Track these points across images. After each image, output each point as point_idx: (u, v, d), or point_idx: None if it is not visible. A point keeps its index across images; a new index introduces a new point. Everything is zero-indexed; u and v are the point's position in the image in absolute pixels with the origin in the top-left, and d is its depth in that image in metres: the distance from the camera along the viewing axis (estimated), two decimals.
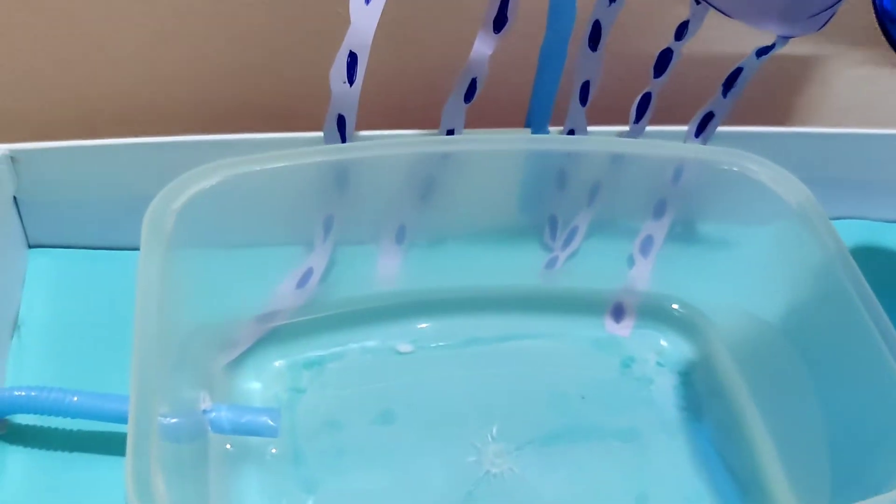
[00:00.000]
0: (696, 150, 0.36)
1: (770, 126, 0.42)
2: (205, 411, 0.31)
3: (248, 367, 0.34)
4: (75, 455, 0.32)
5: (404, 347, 0.36)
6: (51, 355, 0.35)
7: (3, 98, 0.39)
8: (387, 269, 0.37)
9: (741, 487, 0.33)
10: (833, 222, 0.44)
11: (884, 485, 0.26)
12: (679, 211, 0.38)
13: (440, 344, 0.36)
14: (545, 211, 0.38)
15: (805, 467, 0.32)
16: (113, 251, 0.39)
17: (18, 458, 0.32)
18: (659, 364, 0.37)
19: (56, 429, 0.33)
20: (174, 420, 0.27)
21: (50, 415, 0.31)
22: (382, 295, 0.37)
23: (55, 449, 0.32)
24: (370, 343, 0.36)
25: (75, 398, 0.31)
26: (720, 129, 0.39)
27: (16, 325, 0.35)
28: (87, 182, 0.37)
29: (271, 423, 0.32)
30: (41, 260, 0.38)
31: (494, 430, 0.34)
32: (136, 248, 0.29)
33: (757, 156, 0.36)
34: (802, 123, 0.48)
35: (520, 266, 0.38)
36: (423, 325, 0.36)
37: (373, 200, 0.36)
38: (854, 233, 0.44)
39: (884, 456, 0.29)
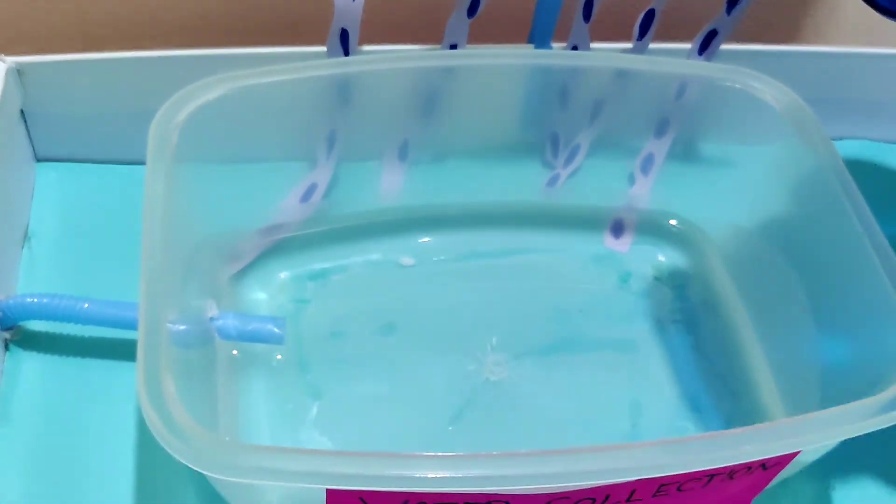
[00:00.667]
0: (699, 67, 0.36)
1: (775, 44, 0.41)
2: (212, 319, 0.32)
3: (254, 279, 0.35)
4: (87, 360, 0.33)
5: (406, 261, 0.36)
6: (61, 265, 0.35)
7: (8, 12, 0.39)
8: (390, 185, 0.38)
9: (733, 395, 0.34)
10: (836, 142, 0.44)
11: (869, 392, 0.27)
12: (681, 129, 0.38)
13: (442, 258, 0.37)
14: (547, 128, 0.38)
15: (795, 376, 0.33)
16: (120, 165, 0.39)
17: (32, 364, 0.33)
18: (656, 279, 0.37)
19: (68, 335, 0.34)
20: (182, 326, 0.28)
21: (61, 321, 0.32)
22: (385, 209, 0.37)
23: (67, 354, 0.33)
24: (373, 256, 0.36)
25: (86, 305, 0.32)
26: (724, 47, 0.39)
27: (26, 237, 0.36)
28: (92, 95, 0.37)
29: (277, 330, 0.33)
30: (49, 173, 0.38)
31: (494, 341, 0.34)
32: (143, 162, 0.29)
33: (760, 74, 0.36)
34: (808, 42, 0.48)
35: (521, 183, 0.39)
36: (426, 240, 0.37)
37: (376, 115, 0.36)
38: (856, 152, 0.44)
39: (871, 364, 0.29)
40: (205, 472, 0.23)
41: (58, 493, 0.30)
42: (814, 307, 0.33)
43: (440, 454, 0.24)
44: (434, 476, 0.23)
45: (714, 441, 0.25)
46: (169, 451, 0.23)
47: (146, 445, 0.31)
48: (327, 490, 0.25)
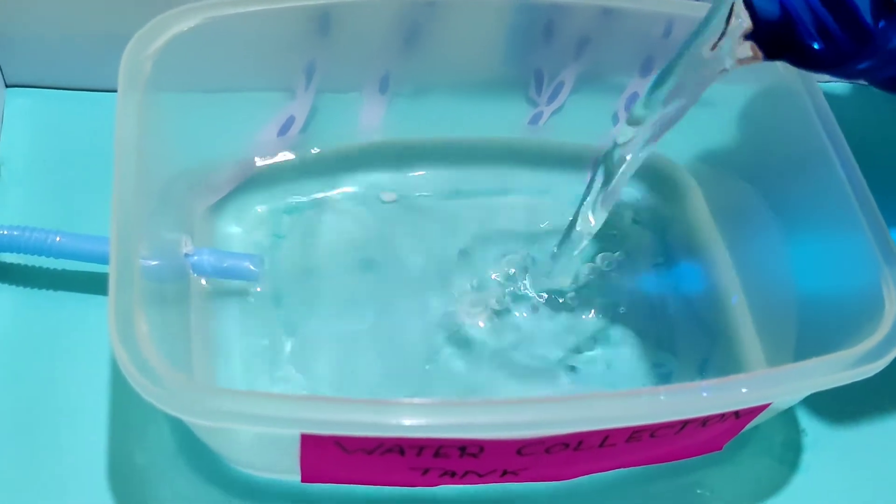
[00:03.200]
0: (686, 6, 0.36)
1: None
2: (187, 255, 0.32)
3: (230, 212, 0.34)
4: (60, 294, 0.33)
5: (387, 196, 0.36)
6: (32, 194, 0.35)
7: None
8: (370, 118, 0.37)
9: (710, 338, 0.34)
10: (823, 84, 0.44)
11: (844, 339, 0.27)
12: None
13: (424, 194, 0.36)
14: (531, 64, 0.38)
15: (773, 321, 0.33)
16: (93, 92, 0.38)
17: (4, 297, 0.32)
18: (635, 221, 0.37)
19: (40, 268, 0.33)
20: (155, 262, 0.28)
21: (33, 254, 0.32)
22: (366, 143, 0.36)
23: (39, 287, 0.33)
24: (353, 190, 0.36)
25: (58, 238, 0.32)
26: None
27: None
28: (63, 19, 0.36)
29: (253, 268, 0.32)
30: (19, 100, 0.37)
31: (474, 281, 0.34)
32: (116, 90, 0.29)
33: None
34: None
35: (504, 120, 0.38)
36: (408, 175, 0.36)
37: (356, 47, 0.35)
38: (843, 94, 0.44)
39: (849, 315, 0.29)
40: (177, 416, 0.23)
41: (29, 428, 0.30)
42: (792, 253, 0.33)
43: (415, 400, 0.24)
44: (409, 423, 0.23)
45: (686, 392, 0.25)
46: (141, 393, 0.23)
47: (119, 381, 0.31)
48: (302, 434, 0.25)
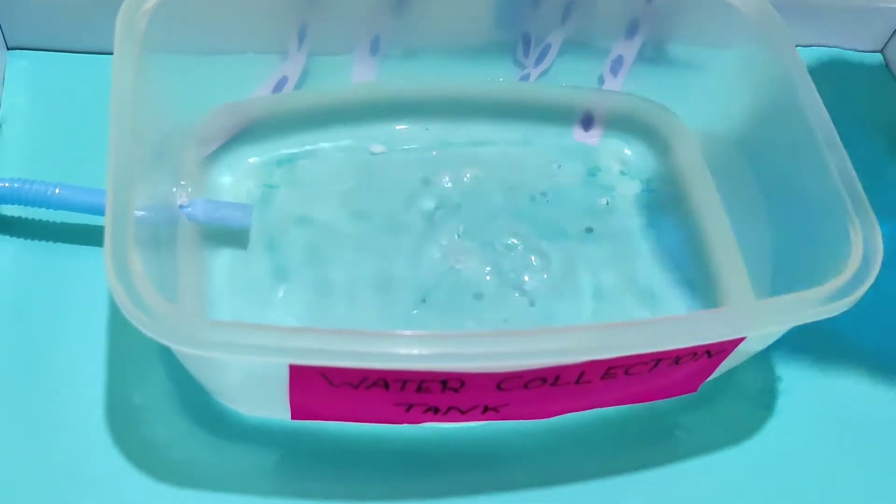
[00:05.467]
0: None
1: None
2: (181, 206, 0.33)
3: (223, 164, 0.35)
4: (59, 245, 0.34)
5: (377, 148, 0.37)
6: (32, 153, 0.36)
7: None
8: (361, 79, 0.38)
9: (691, 287, 0.35)
10: (806, 49, 0.45)
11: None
12: (650, 31, 0.38)
13: (412, 146, 0.37)
14: (519, 27, 0.39)
15: (751, 272, 0.34)
16: (93, 55, 0.39)
17: (5, 248, 0.33)
18: (622, 173, 0.38)
19: (40, 220, 0.34)
20: (150, 210, 0.29)
21: (33, 206, 0.33)
22: (356, 98, 0.37)
23: (40, 239, 0.34)
24: (343, 143, 0.37)
25: (57, 190, 0.33)
26: None
27: None
28: None
29: (244, 217, 0.33)
30: (20, 62, 0.38)
31: (461, 229, 0.35)
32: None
33: None
34: None
35: (493, 81, 0.39)
36: (397, 128, 0.37)
37: (347, 9, 0.36)
38: (824, 60, 0.45)
39: (820, 263, 0.30)
40: (169, 345, 0.24)
41: (29, 371, 0.31)
42: (769, 209, 0.34)
43: (399, 332, 0.25)
44: (393, 352, 0.24)
45: (659, 325, 0.26)
46: (134, 324, 0.24)
47: (116, 326, 0.32)
48: (290, 366, 0.26)
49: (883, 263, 0.28)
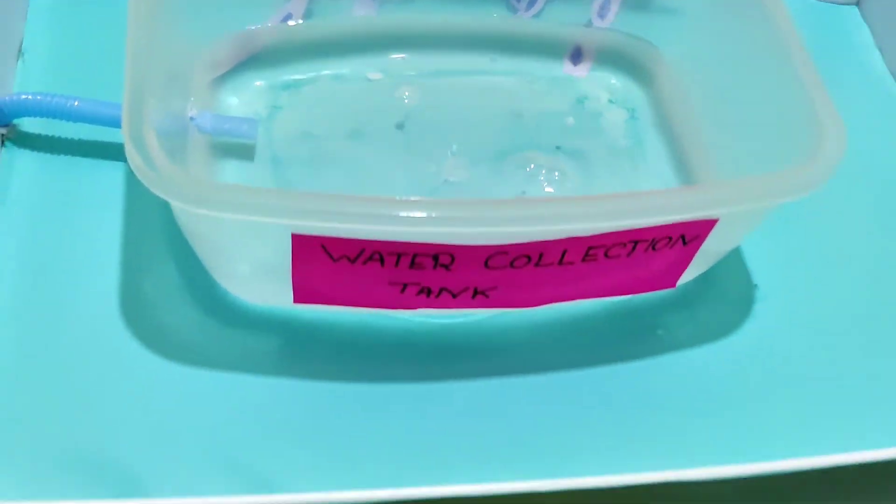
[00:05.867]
0: None
1: None
2: (192, 118, 0.35)
3: (231, 86, 0.38)
4: (77, 159, 0.36)
5: (374, 75, 0.39)
6: (54, 78, 0.38)
7: None
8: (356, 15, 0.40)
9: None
10: None
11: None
12: None
13: (409, 74, 0.39)
14: None
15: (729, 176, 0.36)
16: None
17: (26, 160, 0.36)
18: (610, 101, 0.40)
19: (60, 137, 0.36)
20: (162, 117, 0.31)
21: (53, 117, 0.35)
22: (356, 31, 0.39)
23: (59, 153, 0.36)
24: (343, 70, 0.39)
25: (76, 102, 0.35)
26: None
27: (20, 52, 0.39)
28: None
29: (250, 130, 0.36)
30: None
31: (454, 147, 0.37)
32: None
33: None
34: None
35: (486, 17, 0.41)
36: (394, 57, 0.40)
37: None
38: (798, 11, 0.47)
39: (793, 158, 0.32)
40: (179, 204, 0.26)
41: (49, 270, 0.33)
42: (743, 125, 0.36)
43: (397, 198, 0.27)
44: (390, 213, 0.26)
45: (637, 198, 0.28)
46: (146, 184, 0.26)
47: (130, 224, 0.34)
48: (293, 235, 0.28)
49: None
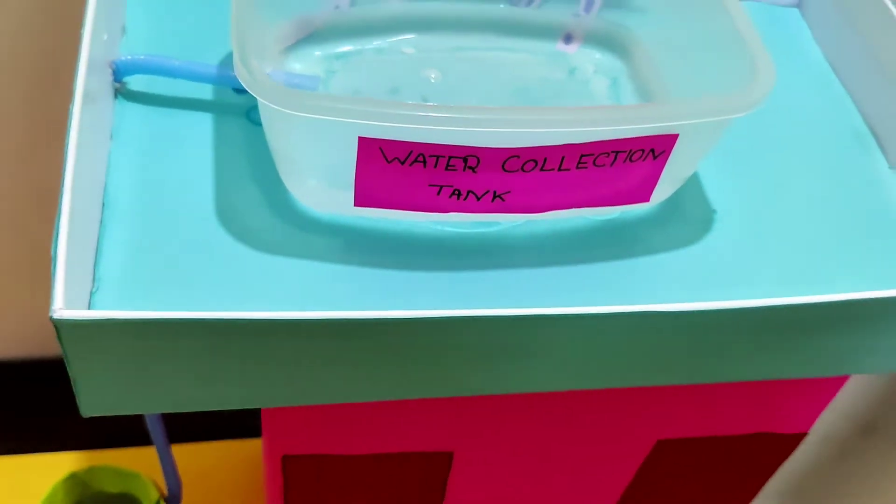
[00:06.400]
0: None
1: None
2: (268, 73, 0.44)
3: (295, 56, 0.47)
4: (175, 109, 0.45)
5: (408, 50, 0.49)
6: (150, 50, 0.47)
7: None
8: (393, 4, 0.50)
9: None
10: None
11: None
12: None
13: (433, 49, 0.49)
14: None
15: None
16: None
17: (134, 109, 0.45)
18: (595, 72, 0.50)
19: (160, 92, 0.46)
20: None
21: (155, 74, 0.44)
22: (391, 14, 0.49)
23: (160, 105, 0.45)
24: (383, 45, 0.48)
25: (175, 62, 0.44)
26: None
27: (123, 30, 0.48)
28: None
29: (312, 84, 0.45)
30: None
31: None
32: None
33: None
34: None
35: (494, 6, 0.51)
36: (422, 37, 0.49)
37: None
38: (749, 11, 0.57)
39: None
40: (275, 107, 0.35)
41: (156, 184, 0.42)
42: (696, 76, 0.45)
43: (441, 104, 0.36)
44: (437, 115, 0.35)
45: (615, 109, 0.38)
46: (254, 91, 0.35)
47: (221, 158, 0.43)
48: (360, 139, 0.37)
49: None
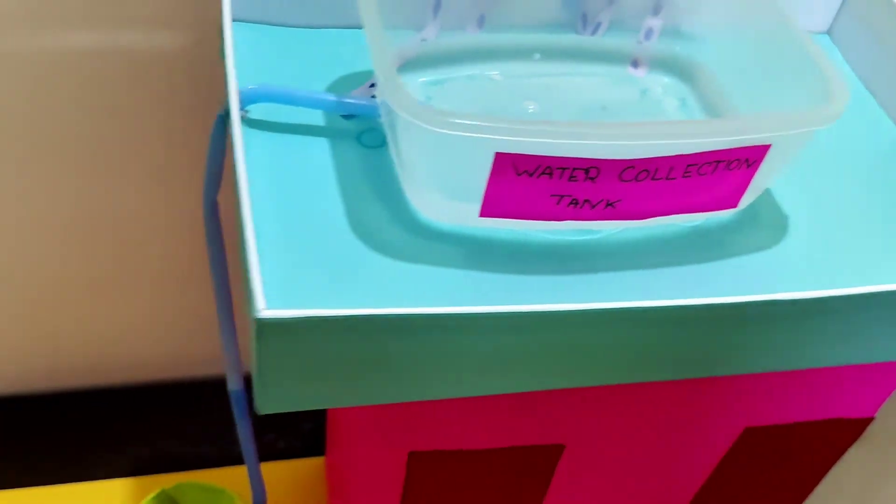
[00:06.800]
0: None
1: None
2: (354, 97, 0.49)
3: (407, 79, 0.51)
4: (295, 136, 0.49)
5: (495, 75, 0.53)
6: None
7: None
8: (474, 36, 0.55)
9: None
10: None
11: None
12: (669, 12, 0.55)
13: (517, 74, 0.53)
14: (578, 9, 0.56)
15: None
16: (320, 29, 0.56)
17: (258, 138, 0.48)
18: (664, 93, 0.54)
19: (283, 122, 0.49)
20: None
21: (278, 102, 0.48)
22: (478, 47, 0.54)
23: (280, 132, 0.49)
24: (474, 73, 0.53)
25: (298, 91, 0.48)
26: None
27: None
28: None
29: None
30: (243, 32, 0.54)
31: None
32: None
33: None
34: None
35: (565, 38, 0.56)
36: (505, 64, 0.54)
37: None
38: None
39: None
40: (426, 127, 0.39)
41: (292, 197, 0.46)
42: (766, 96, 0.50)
43: (574, 121, 0.40)
44: (570, 130, 0.40)
45: (724, 121, 0.42)
46: (405, 112, 0.39)
47: (341, 175, 0.47)
48: (496, 154, 0.41)
49: None
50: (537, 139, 0.40)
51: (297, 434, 0.92)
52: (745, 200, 0.48)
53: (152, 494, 0.63)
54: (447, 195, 0.45)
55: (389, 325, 0.37)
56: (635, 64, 0.56)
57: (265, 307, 0.35)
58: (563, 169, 0.42)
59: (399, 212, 0.46)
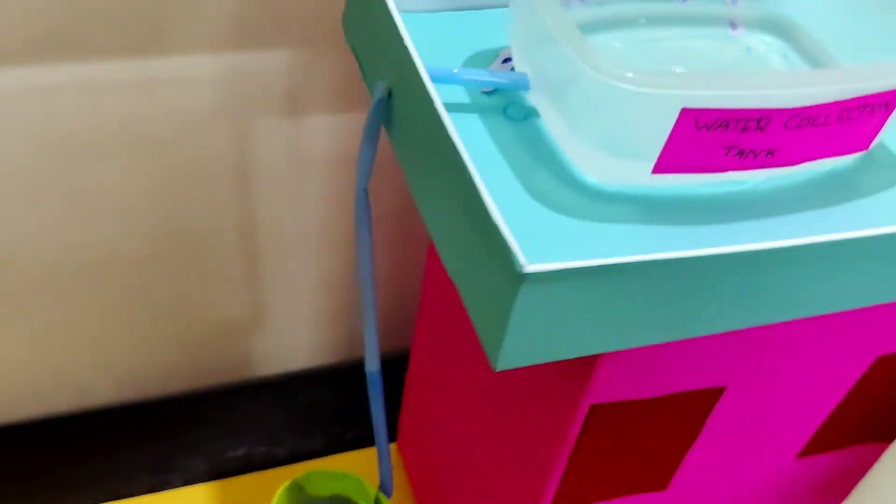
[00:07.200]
0: None
1: None
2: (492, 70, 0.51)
3: None
4: (451, 115, 0.51)
5: (616, 45, 0.56)
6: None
7: None
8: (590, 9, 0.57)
9: None
10: None
11: None
12: None
13: (635, 41, 0.56)
14: None
15: None
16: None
17: None
18: (767, 50, 0.58)
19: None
20: None
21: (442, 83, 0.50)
22: (596, 19, 0.56)
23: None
24: (597, 42, 0.55)
25: (455, 70, 0.50)
26: None
27: None
28: None
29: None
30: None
31: None
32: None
33: None
34: None
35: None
36: (622, 33, 0.56)
37: None
38: None
39: None
40: (618, 84, 0.41)
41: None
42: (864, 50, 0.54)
43: (757, 74, 0.43)
44: (753, 82, 0.42)
45: (876, 66, 0.46)
46: (594, 68, 0.41)
47: (503, 148, 0.49)
48: (683, 109, 0.43)
49: None
50: (722, 91, 0.43)
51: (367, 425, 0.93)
52: (874, 143, 0.51)
53: (285, 485, 0.64)
54: (617, 154, 0.47)
55: (637, 271, 0.40)
56: (733, 25, 0.59)
57: (527, 262, 0.37)
58: (739, 120, 0.45)
59: (564, 176, 0.48)
